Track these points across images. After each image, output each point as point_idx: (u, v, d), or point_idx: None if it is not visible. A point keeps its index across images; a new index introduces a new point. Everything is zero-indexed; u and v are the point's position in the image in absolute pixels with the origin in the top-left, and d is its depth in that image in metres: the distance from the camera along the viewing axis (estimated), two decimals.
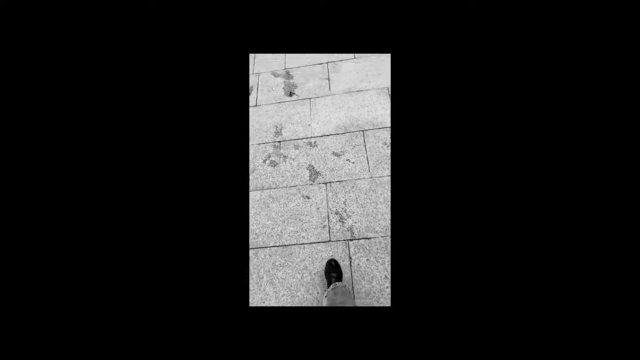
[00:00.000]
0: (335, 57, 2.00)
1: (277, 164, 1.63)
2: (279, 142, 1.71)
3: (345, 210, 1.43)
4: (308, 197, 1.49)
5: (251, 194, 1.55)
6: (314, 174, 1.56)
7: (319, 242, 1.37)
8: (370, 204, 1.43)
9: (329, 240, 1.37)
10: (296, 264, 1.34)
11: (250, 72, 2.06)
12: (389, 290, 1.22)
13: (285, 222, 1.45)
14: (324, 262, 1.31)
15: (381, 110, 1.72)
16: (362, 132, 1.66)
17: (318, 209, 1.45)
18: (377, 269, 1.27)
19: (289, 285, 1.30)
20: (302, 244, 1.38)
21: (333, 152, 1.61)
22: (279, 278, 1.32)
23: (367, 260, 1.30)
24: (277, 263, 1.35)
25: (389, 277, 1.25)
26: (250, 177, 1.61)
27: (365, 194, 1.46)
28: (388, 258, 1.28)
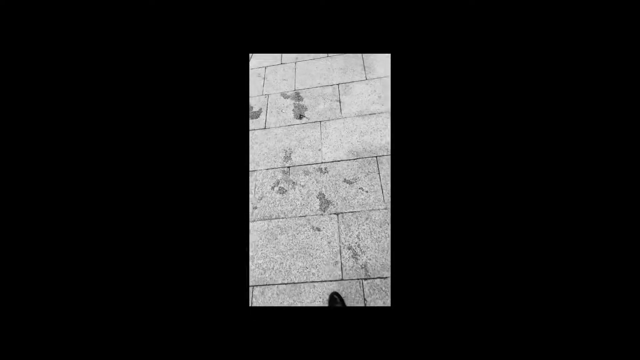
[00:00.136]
0: (347, 78, 1.94)
1: (285, 191, 1.55)
2: (288, 167, 1.64)
3: (359, 245, 1.33)
4: (318, 229, 1.40)
5: (258, 224, 1.47)
6: (324, 203, 1.47)
7: (330, 281, 1.27)
8: (386, 238, 1.32)
9: (342, 279, 1.26)
10: (306, 306, 1.23)
11: (260, 93, 2.03)
12: None
13: (294, 256, 1.35)
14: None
15: None
16: (375, 159, 1.57)
17: (329, 242, 1.36)
18: None
19: None
20: (312, 281, 1.28)
21: (345, 179, 1.53)
22: None
23: (384, 303, 1.18)
24: (285, 304, 1.25)
25: None
26: (258, 205, 1.53)
27: (380, 226, 1.36)
28: None
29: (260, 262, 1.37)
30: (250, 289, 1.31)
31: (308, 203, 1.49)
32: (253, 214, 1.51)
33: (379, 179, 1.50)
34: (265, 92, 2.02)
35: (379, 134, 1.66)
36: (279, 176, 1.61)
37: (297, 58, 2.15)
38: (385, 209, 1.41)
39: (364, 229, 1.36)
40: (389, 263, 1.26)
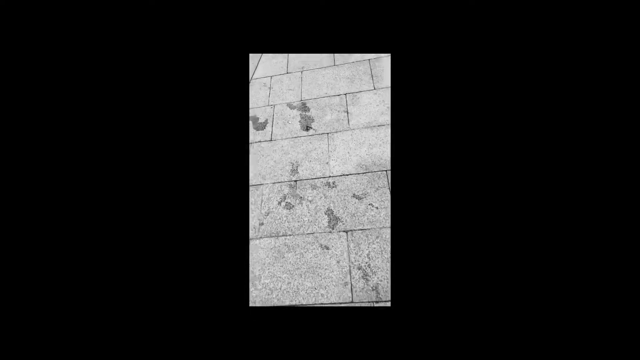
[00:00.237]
0: (355, 87, 1.90)
1: (292, 206, 1.51)
2: (295, 181, 1.60)
3: (369, 265, 1.28)
4: (327, 248, 1.35)
5: (265, 241, 1.43)
6: (333, 219, 1.43)
7: (340, 304, 1.22)
8: None
9: (352, 302, 1.21)
10: None
11: (265, 103, 1.99)
12: None
13: (302, 276, 1.31)
14: None
15: None
16: (385, 172, 1.52)
17: (338, 262, 1.31)
18: None
19: None
20: (321, 304, 1.23)
21: (354, 194, 1.48)
22: None
23: None
24: None
25: None
26: (264, 221, 1.49)
27: None
28: None
29: (267, 281, 1.33)
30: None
31: (316, 219, 1.44)
32: (259, 230, 1.47)
33: (389, 195, 1.45)
34: (271, 103, 1.99)
35: (389, 146, 1.61)
36: (286, 190, 1.57)
37: (303, 67, 2.12)
38: None
39: (375, 248, 1.31)
40: None
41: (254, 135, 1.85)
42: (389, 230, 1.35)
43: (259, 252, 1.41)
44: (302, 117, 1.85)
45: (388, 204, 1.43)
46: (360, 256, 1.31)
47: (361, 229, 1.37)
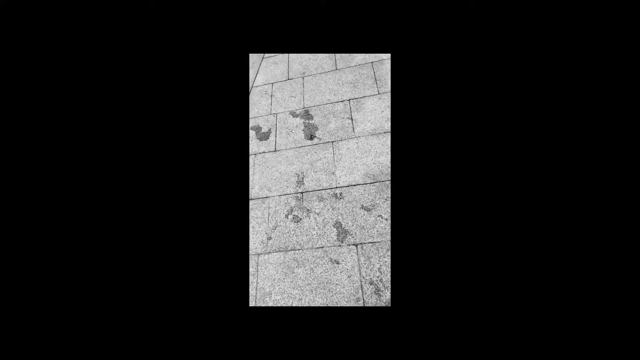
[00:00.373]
0: (358, 93, 1.86)
1: (300, 219, 1.49)
2: (302, 193, 1.57)
3: (381, 279, 1.26)
4: (337, 262, 1.34)
5: (274, 256, 1.42)
6: (342, 232, 1.41)
7: None
8: None
9: None
10: None
11: (268, 112, 1.96)
12: None
13: (313, 291, 1.30)
14: None
15: None
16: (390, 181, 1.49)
17: (349, 277, 1.29)
18: None
19: None
20: None
21: (362, 205, 1.46)
22: None
23: None
24: None
25: None
26: (272, 235, 1.48)
27: None
28: None
29: (277, 298, 1.32)
30: None
31: (324, 233, 1.42)
32: (268, 245, 1.46)
33: None
34: (273, 111, 1.96)
35: None
36: (293, 203, 1.55)
37: (304, 72, 2.08)
38: None
39: (386, 262, 1.29)
40: None
41: (257, 145, 1.82)
42: None
43: (269, 267, 1.40)
44: (305, 126, 1.82)
45: None
46: (371, 270, 1.29)
47: (371, 242, 1.35)
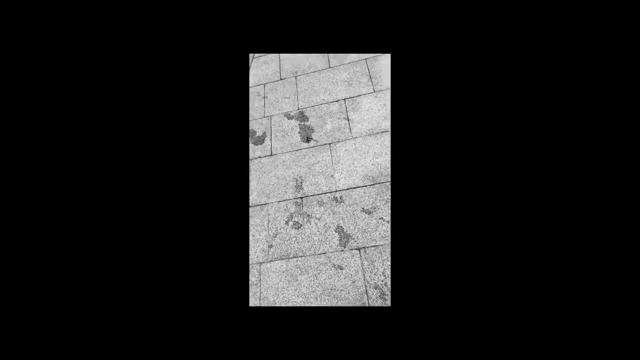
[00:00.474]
0: (353, 91, 1.82)
1: (301, 225, 1.47)
2: (301, 198, 1.55)
3: (386, 283, 1.25)
4: (341, 268, 1.33)
5: (277, 264, 1.40)
6: (344, 237, 1.39)
7: None
8: None
9: None
10: None
11: (261, 115, 1.91)
12: None
13: (318, 299, 1.29)
14: None
15: None
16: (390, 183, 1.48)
17: (354, 282, 1.28)
18: None
19: None
20: None
21: (363, 208, 1.44)
22: None
23: None
24: None
25: None
26: (273, 243, 1.46)
27: None
28: None
29: (283, 308, 1.30)
30: None
31: (326, 238, 1.41)
32: (269, 253, 1.44)
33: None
34: (267, 114, 1.91)
35: None
36: (292, 209, 1.53)
37: (296, 72, 2.02)
38: None
39: (390, 265, 1.29)
40: None
41: (253, 150, 1.78)
42: None
43: (271, 276, 1.38)
44: (301, 128, 1.78)
45: None
46: (375, 274, 1.28)
47: (374, 246, 1.34)
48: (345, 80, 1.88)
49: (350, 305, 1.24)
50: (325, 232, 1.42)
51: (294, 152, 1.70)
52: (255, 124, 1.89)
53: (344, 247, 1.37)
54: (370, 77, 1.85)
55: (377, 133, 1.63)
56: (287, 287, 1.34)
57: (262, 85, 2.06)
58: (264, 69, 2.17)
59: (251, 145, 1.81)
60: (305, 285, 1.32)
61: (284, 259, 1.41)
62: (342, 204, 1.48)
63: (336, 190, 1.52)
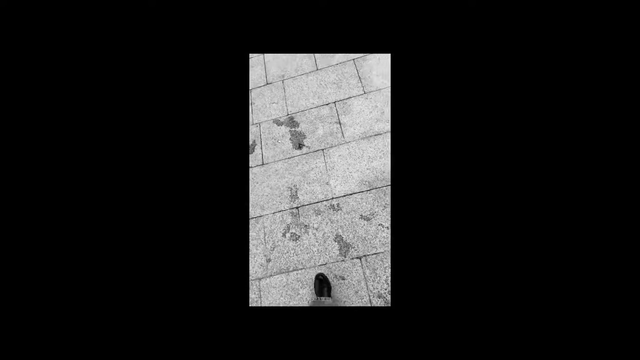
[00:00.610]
0: (343, 94, 1.77)
1: (299, 237, 1.43)
2: (297, 208, 1.50)
3: (389, 291, 1.24)
4: (343, 278, 1.30)
5: (276, 279, 1.36)
6: (344, 246, 1.36)
7: None
8: None
9: None
10: None
11: (250, 122, 1.84)
12: None
13: None
14: None
15: None
16: (390, 188, 1.45)
17: (357, 292, 1.26)
18: None
19: None
20: None
21: (361, 215, 1.41)
22: None
23: None
24: None
25: None
26: (271, 257, 1.41)
27: None
28: None
29: None
30: None
31: (326, 248, 1.37)
32: (268, 267, 1.39)
33: None
34: (255, 121, 1.84)
35: (389, 157, 1.53)
36: (289, 220, 1.48)
37: (283, 75, 1.95)
38: None
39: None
40: None
41: None
42: None
43: (272, 292, 1.34)
44: (292, 134, 1.72)
45: None
46: (378, 283, 1.26)
47: (375, 253, 1.32)
48: (334, 82, 1.84)
49: None
50: (325, 242, 1.39)
51: (286, 160, 1.64)
52: None
53: (345, 256, 1.34)
54: (360, 78, 1.81)
55: (371, 136, 1.60)
56: (289, 302, 1.30)
57: (248, 90, 1.99)
58: (249, 73, 2.09)
59: None
60: (308, 299, 1.29)
61: (283, 272, 1.36)
62: (339, 211, 1.44)
63: (332, 198, 1.48)
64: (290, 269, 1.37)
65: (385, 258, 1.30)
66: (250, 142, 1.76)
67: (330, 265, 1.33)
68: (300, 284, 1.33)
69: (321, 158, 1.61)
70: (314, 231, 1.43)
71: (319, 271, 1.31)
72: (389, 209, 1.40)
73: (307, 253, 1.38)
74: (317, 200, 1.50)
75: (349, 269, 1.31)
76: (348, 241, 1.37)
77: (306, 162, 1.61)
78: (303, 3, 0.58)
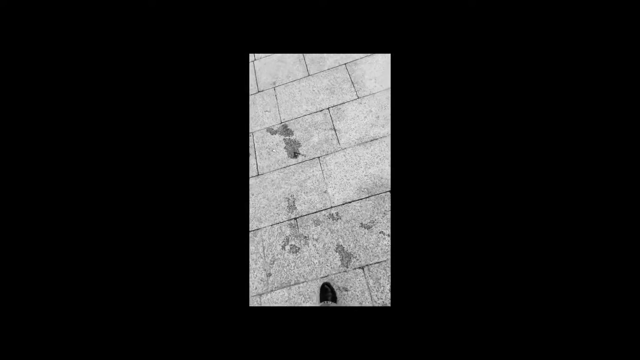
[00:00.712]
0: (336, 99, 1.75)
1: (298, 249, 1.40)
2: (295, 218, 1.47)
3: None
4: (346, 289, 1.27)
5: (277, 294, 1.32)
6: (345, 256, 1.33)
7: None
8: None
9: None
10: None
11: None
12: None
13: None
14: None
15: None
16: (389, 194, 1.43)
17: (361, 303, 1.23)
18: None
19: None
20: None
21: (361, 223, 1.39)
22: None
23: None
24: None
25: None
26: (272, 271, 1.37)
27: None
28: None
29: None
30: None
31: (327, 260, 1.34)
32: (269, 282, 1.35)
33: None
34: (248, 130, 1.79)
35: (387, 162, 1.51)
36: (287, 232, 1.44)
37: (274, 82, 1.92)
38: None
39: None
40: None
41: None
42: None
43: None
44: (286, 143, 1.69)
45: None
46: (382, 292, 1.24)
47: (377, 262, 1.29)
48: (327, 88, 1.81)
49: None
50: (325, 253, 1.36)
51: (282, 170, 1.61)
52: None
53: (347, 267, 1.31)
54: (352, 82, 1.78)
55: (366, 142, 1.58)
56: None
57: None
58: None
59: None
60: None
61: (285, 287, 1.33)
62: (339, 220, 1.41)
63: (331, 207, 1.45)
64: (292, 282, 1.33)
65: (388, 267, 1.27)
66: None
67: (333, 276, 1.30)
68: (303, 298, 1.29)
69: (317, 166, 1.58)
70: (314, 242, 1.39)
71: (323, 282, 1.28)
72: (389, 216, 1.38)
73: (308, 265, 1.35)
74: (315, 210, 1.46)
75: (351, 279, 1.28)
76: (349, 251, 1.34)
77: (302, 171, 1.58)
78: (303, 3, 0.58)
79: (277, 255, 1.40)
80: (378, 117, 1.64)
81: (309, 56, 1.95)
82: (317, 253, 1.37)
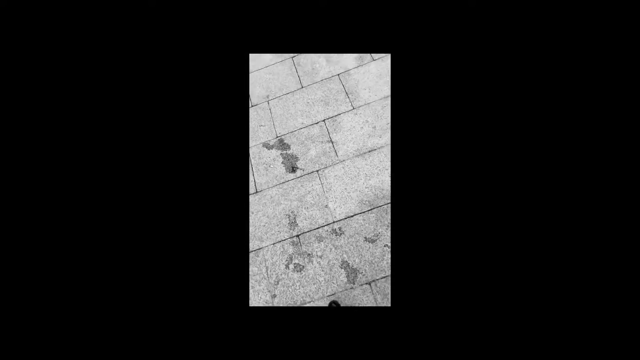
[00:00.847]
0: (332, 111, 1.73)
1: (303, 267, 1.36)
2: (297, 236, 1.44)
3: None
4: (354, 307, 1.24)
5: None
6: (351, 273, 1.31)
7: None
8: None
9: None
10: None
11: None
12: None
13: None
14: None
15: None
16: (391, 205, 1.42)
17: None
18: None
19: None
20: None
21: (365, 237, 1.37)
22: None
23: None
24: None
25: None
26: (276, 292, 1.34)
27: None
28: None
29: None
30: None
31: (333, 277, 1.32)
32: (274, 304, 1.32)
33: None
34: None
35: (386, 173, 1.50)
36: (290, 250, 1.41)
37: (267, 95, 1.90)
38: None
39: None
40: None
41: None
42: None
43: None
44: (284, 157, 1.66)
45: None
46: None
47: (384, 277, 1.27)
48: (322, 100, 1.80)
49: None
50: (331, 270, 1.33)
51: (280, 186, 1.58)
52: None
53: (353, 283, 1.29)
54: (347, 93, 1.78)
55: (365, 153, 1.57)
56: None
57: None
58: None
59: None
60: None
61: (291, 307, 1.29)
62: (342, 236, 1.39)
63: (334, 222, 1.43)
64: (297, 302, 1.29)
65: None
66: None
67: (339, 294, 1.28)
68: None
69: (317, 180, 1.55)
70: (319, 259, 1.36)
71: (330, 300, 1.25)
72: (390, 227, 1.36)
73: (314, 284, 1.32)
74: (317, 226, 1.44)
75: (359, 296, 1.26)
76: (355, 267, 1.32)
77: (302, 186, 1.55)
78: (303, 3, 0.59)
79: (281, 275, 1.37)
80: (375, 127, 1.63)
81: (301, 68, 1.93)
82: (322, 270, 1.34)
